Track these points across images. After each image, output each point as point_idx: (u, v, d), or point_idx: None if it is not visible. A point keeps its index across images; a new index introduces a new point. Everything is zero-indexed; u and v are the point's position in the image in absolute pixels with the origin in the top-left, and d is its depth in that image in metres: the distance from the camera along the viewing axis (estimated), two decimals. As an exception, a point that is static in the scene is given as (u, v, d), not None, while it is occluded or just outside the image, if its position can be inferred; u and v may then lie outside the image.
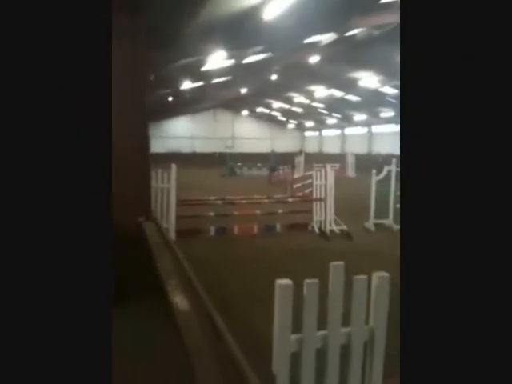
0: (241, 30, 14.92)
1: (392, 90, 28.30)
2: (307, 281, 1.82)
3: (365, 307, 1.89)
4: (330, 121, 41.61)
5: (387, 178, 8.93)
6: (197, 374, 1.39)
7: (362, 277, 1.87)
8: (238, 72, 23.51)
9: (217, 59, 18.87)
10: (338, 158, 28.24)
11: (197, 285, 1.87)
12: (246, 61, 20.37)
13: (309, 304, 1.81)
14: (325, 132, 45.13)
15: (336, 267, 1.85)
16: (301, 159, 24.31)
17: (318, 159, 26.82)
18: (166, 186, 7.61)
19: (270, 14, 14.30)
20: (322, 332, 1.85)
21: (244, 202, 8.69)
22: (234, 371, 1.56)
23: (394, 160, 9.07)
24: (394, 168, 8.93)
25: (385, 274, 1.90)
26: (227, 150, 39.46)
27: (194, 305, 1.67)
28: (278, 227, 8.36)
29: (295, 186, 14.97)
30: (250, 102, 40.45)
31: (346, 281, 1.88)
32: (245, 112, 45.89)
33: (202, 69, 20.65)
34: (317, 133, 46.58)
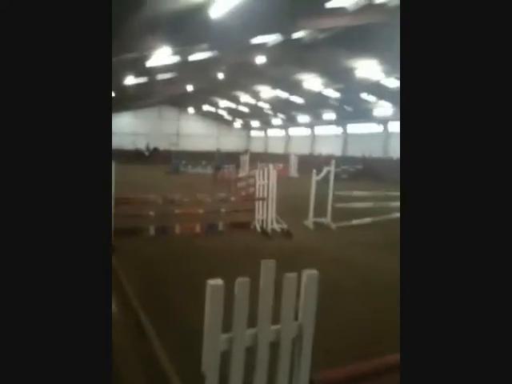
0: (187, 27, 14.71)
1: (334, 93, 29.23)
2: (239, 280, 1.82)
3: (294, 304, 1.93)
4: (275, 121, 42.19)
5: (326, 178, 9.21)
6: (120, 373, 1.37)
7: (292, 274, 1.91)
8: (184, 69, 23.17)
9: (162, 55, 18.46)
10: (282, 158, 28.66)
11: (125, 284, 1.82)
12: (192, 58, 20.10)
13: (240, 303, 1.81)
14: (270, 132, 45.67)
15: (266, 264, 1.87)
16: (246, 158, 24.40)
17: (262, 159, 27.06)
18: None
19: (216, 12, 14.24)
20: (251, 330, 1.87)
21: (186, 200, 8.56)
22: (157, 371, 1.55)
23: (333, 161, 9.38)
24: (332, 168, 9.23)
25: (314, 272, 1.95)
26: (172, 148, 38.72)
27: (121, 304, 1.63)
28: (221, 226, 8.33)
29: (239, 184, 14.99)
30: (195, 100, 39.99)
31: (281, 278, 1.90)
32: (190, 109, 45.29)
33: (147, 64, 20.11)
34: (262, 133, 47.01)
